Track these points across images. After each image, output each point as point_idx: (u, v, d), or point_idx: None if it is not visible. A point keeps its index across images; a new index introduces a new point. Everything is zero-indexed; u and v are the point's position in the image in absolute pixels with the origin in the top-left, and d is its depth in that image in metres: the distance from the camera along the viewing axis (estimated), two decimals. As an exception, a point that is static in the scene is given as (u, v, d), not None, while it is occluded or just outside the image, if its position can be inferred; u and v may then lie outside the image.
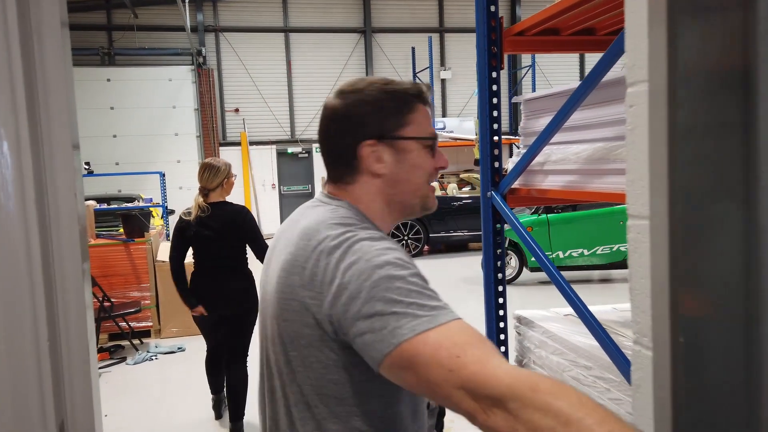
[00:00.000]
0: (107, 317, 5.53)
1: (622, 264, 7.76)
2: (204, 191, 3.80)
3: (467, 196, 11.45)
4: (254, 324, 3.76)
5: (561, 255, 7.73)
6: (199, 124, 14.80)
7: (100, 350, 5.68)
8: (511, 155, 17.70)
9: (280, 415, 1.04)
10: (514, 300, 7.38)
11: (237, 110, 15.45)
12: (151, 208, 8.38)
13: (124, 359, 5.57)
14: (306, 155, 15.85)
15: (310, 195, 15.02)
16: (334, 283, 0.91)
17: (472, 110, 17.05)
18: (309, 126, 15.98)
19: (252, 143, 15.40)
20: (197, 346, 5.84)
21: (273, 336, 1.03)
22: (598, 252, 7.68)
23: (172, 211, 10.86)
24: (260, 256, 3.47)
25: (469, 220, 10.90)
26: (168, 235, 7.93)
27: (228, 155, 15.24)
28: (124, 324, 5.92)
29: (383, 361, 0.84)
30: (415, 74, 16.12)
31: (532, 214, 7.75)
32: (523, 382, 0.74)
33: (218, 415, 4.21)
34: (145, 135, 14.42)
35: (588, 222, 7.64)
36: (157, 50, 14.72)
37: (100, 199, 9.52)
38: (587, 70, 17.64)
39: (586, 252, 7.70)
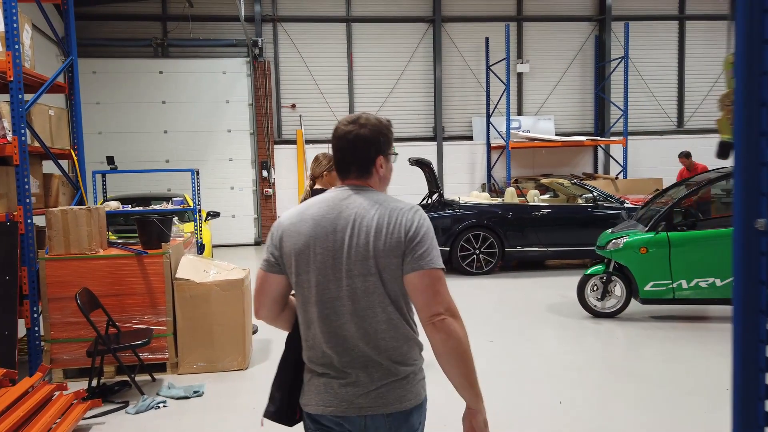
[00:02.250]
0: (107, 351, 4.37)
1: None
2: (312, 178, 4.36)
3: (549, 204, 9.81)
4: None
5: (684, 285, 6.03)
6: (253, 120, 13.83)
7: (98, 390, 4.53)
8: (596, 158, 15.87)
9: (378, 314, 1.77)
10: (611, 338, 5.75)
11: (294, 106, 14.38)
12: (185, 212, 7.32)
13: (127, 404, 4.40)
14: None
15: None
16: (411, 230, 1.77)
17: (552, 108, 15.31)
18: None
19: (309, 142, 14.29)
20: (221, 390, 4.61)
21: (365, 272, 1.75)
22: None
23: (217, 214, 9.81)
24: None
25: (550, 233, 9.27)
26: (200, 243, 6.78)
27: (283, 154, 14.22)
28: (132, 355, 4.77)
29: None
30: (488, 67, 14.59)
31: (648, 231, 6.09)
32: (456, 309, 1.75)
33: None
34: (196, 131, 13.57)
35: (723, 243, 5.91)
36: (212, 41, 13.85)
37: (137, 200, 8.56)
38: (687, 61, 15.52)
39: (718, 282, 5.96)
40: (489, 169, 14.93)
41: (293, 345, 1.97)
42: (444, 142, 14.74)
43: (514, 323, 6.32)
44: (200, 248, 6.82)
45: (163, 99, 13.44)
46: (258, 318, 1.99)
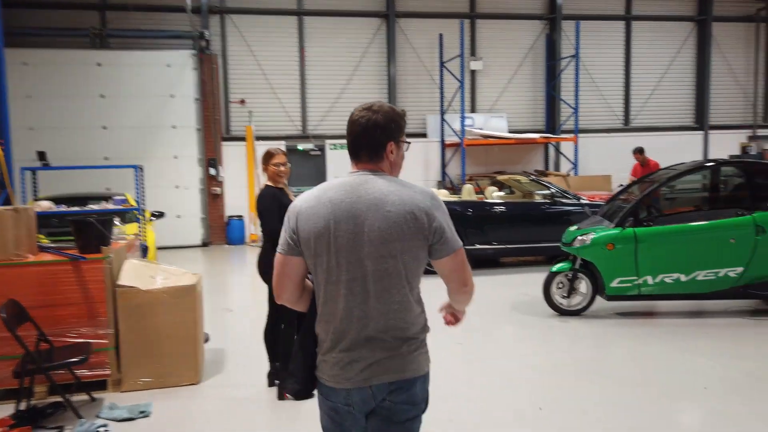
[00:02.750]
0: (38, 370, 3.86)
1: (726, 294, 6.00)
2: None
3: (510, 201, 9.71)
4: None
5: (650, 281, 5.97)
6: (200, 116, 13.16)
7: (27, 415, 4.00)
8: (547, 155, 16.00)
9: (393, 295, 1.90)
10: (581, 338, 5.63)
11: (243, 101, 13.80)
12: (126, 212, 6.76)
13: (61, 430, 3.90)
14: (318, 152, 14.17)
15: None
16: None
17: (504, 106, 15.33)
18: (323, 120, 14.31)
19: (259, 138, 13.72)
20: (171, 409, 4.17)
21: (386, 255, 1.87)
22: (699, 278, 5.91)
23: (161, 214, 9.21)
24: (265, 236, 4.36)
25: (511, 230, 9.15)
26: (144, 246, 6.26)
27: (232, 151, 13.62)
28: (68, 373, 4.25)
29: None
30: (442, 64, 14.44)
31: (615, 226, 6.00)
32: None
33: (270, 383, 4.51)
34: (138, 127, 12.79)
35: (688, 239, 5.88)
36: (155, 32, 13.10)
37: (72, 199, 7.88)
38: (633, 61, 15.84)
39: (683, 278, 5.93)
40: (443, 166, 14.80)
41: (309, 323, 2.05)
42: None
43: (481, 324, 6.11)
44: (144, 251, 6.30)
45: (101, 93, 12.60)
46: (279, 301, 2.07)
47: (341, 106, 14.27)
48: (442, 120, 14.60)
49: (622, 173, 14.75)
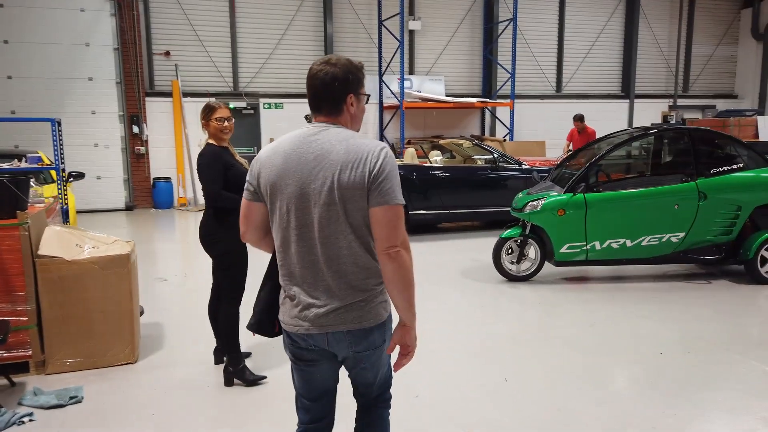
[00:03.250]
0: (-55, 354, 3.33)
1: (667, 258, 6.17)
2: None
3: (455, 165, 9.59)
4: (230, 268, 3.82)
5: (597, 246, 6.03)
6: (120, 68, 12.09)
7: (-66, 405, 3.46)
8: (483, 120, 16.03)
9: (340, 241, 1.94)
10: (533, 304, 5.64)
11: (168, 53, 12.79)
12: (41, 172, 6.04)
13: (-24, 420, 3.40)
14: (252, 112, 13.46)
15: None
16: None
17: (442, 69, 15.11)
18: (256, 77, 13.55)
19: (186, 95, 12.84)
20: (105, 392, 3.75)
21: (329, 202, 1.91)
22: (644, 243, 6.04)
23: (81, 175, 8.40)
24: (207, 201, 3.80)
25: (455, 195, 9.06)
26: (65, 210, 5.62)
27: (157, 107, 12.67)
28: (-18, 356, 3.72)
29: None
30: (381, 22, 13.98)
31: (566, 191, 5.98)
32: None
33: (217, 360, 4.21)
34: (50, 78, 11.60)
35: (636, 204, 5.95)
36: (66, -28, 11.81)
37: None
38: (566, 28, 16.00)
39: (629, 243, 6.03)
40: (381, 129, 14.49)
41: (273, 266, 2.15)
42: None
43: (432, 291, 5.99)
44: (65, 216, 5.66)
45: (4, 37, 11.26)
46: (244, 240, 2.17)
47: (275, 62, 13.57)
48: (381, 81, 14.21)
49: (554, 139, 15.07)
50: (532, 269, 6.35)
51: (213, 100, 3.90)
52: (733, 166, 6.02)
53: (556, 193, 6.04)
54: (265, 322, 2.16)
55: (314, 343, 2.01)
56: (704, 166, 6.01)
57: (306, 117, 9.21)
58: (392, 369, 2.15)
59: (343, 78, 1.97)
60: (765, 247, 5.96)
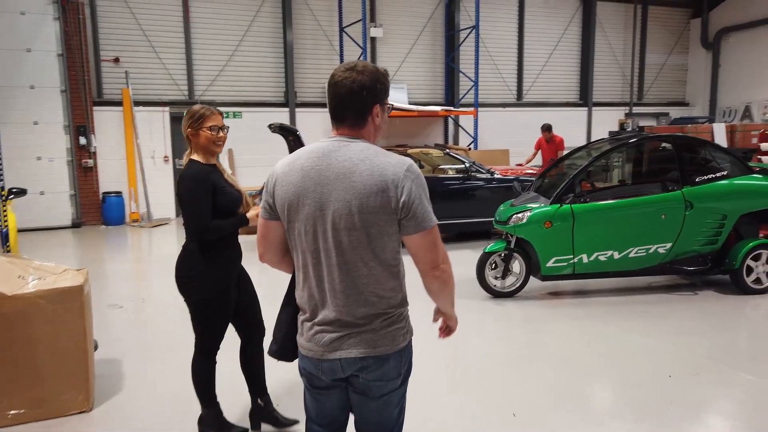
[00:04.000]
0: None
1: (654, 270, 6.00)
2: (187, 139, 3.14)
3: (433, 176, 9.29)
4: (211, 318, 3.07)
5: (585, 259, 5.81)
6: (64, 75, 11.29)
7: None
8: (446, 129, 15.85)
9: (360, 268, 1.83)
10: (522, 323, 5.34)
11: (117, 60, 12.05)
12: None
13: None
14: (208, 122, 12.80)
15: (215, 171, 11.97)
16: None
17: (404, 77, 14.85)
18: (213, 84, 12.94)
19: (138, 104, 12.12)
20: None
21: (351, 227, 1.79)
22: (631, 255, 5.84)
23: (22, 191, 7.66)
24: (189, 235, 3.04)
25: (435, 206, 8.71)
26: (5, 234, 5.00)
27: (106, 117, 11.92)
28: None
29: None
30: (342, 29, 13.62)
31: (552, 202, 5.73)
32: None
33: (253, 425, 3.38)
34: (-14, 86, 10.71)
35: (623, 215, 5.76)
36: (3, -28, 10.96)
37: None
38: (526, 38, 16.04)
39: (617, 255, 5.83)
40: (345, 138, 14.09)
41: (294, 286, 2.01)
42: (297, 109, 13.54)
43: (415, 309, 5.60)
44: (5, 239, 5.03)
45: (-67, 42, 10.34)
46: (262, 261, 2.04)
47: (232, 70, 13.02)
48: (343, 89, 13.82)
49: (516, 147, 15.04)
50: (518, 284, 6.07)
51: (201, 105, 3.18)
52: (718, 174, 5.92)
53: (541, 205, 5.79)
54: (288, 348, 2.05)
55: (327, 369, 1.91)
56: (690, 175, 5.88)
57: (270, 126, 8.71)
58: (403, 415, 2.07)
59: (371, 86, 1.84)
60: (750, 256, 5.86)
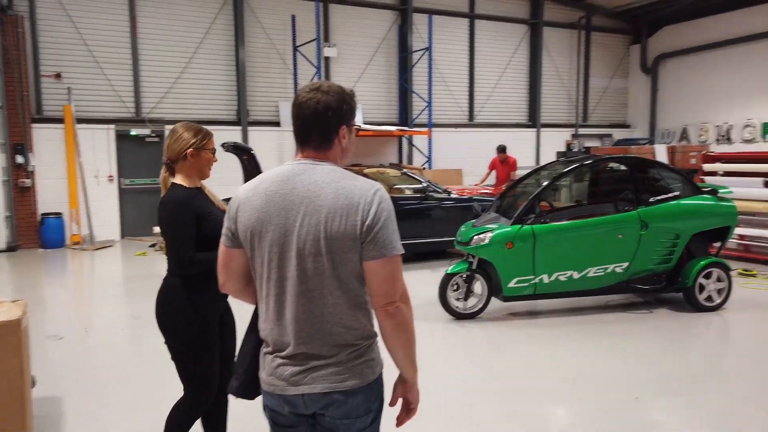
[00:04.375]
0: None
1: (612, 289, 6.08)
2: (169, 161, 2.78)
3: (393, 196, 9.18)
4: (199, 361, 2.74)
5: (546, 279, 5.82)
6: (1, 91, 10.68)
7: None
8: (400, 148, 15.89)
9: (325, 296, 1.72)
10: (488, 346, 5.28)
11: (59, 75, 11.51)
12: None
13: None
14: (156, 139, 12.39)
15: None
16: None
17: (359, 96, 14.79)
18: (161, 103, 12.54)
19: (81, 121, 11.59)
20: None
21: (315, 253, 1.69)
22: (590, 275, 5.90)
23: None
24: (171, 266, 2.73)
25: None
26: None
27: (45, 135, 11.34)
28: None
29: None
30: (295, 48, 13.51)
31: (513, 223, 5.72)
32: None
33: None
34: None
35: (582, 235, 5.82)
36: (-67, -19, 10.34)
37: None
38: (476, 60, 16.34)
39: (576, 275, 5.87)
40: (299, 158, 13.89)
41: (256, 319, 1.91)
42: (249, 127, 13.27)
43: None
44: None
45: None
46: (223, 291, 1.93)
47: (182, 87, 12.66)
48: (297, 108, 13.66)
49: (469, 167, 15.23)
50: (480, 306, 6.02)
51: (196, 124, 2.85)
52: (670, 195, 6.08)
53: (502, 226, 5.78)
54: (250, 384, 1.90)
55: (290, 406, 1.79)
56: (644, 195, 6.02)
57: (223, 145, 8.45)
58: None
59: (337, 107, 1.77)
60: (702, 274, 6.02)
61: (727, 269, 6.10)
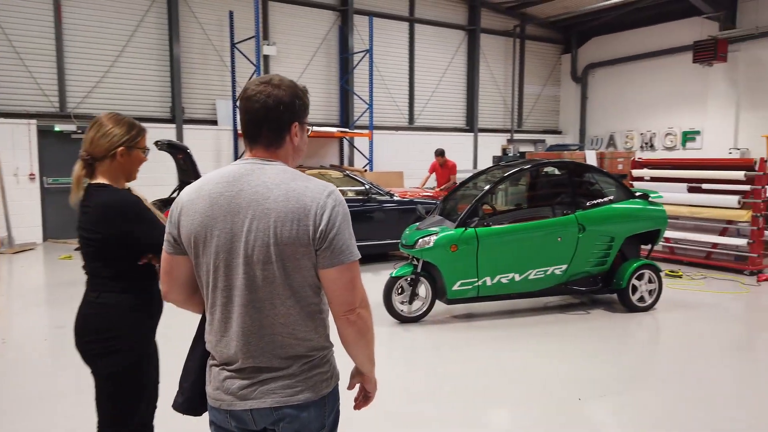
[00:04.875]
0: None
1: (552, 291, 6.23)
2: (87, 161, 2.36)
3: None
4: (138, 392, 2.39)
5: (488, 282, 5.89)
6: None
7: None
8: (341, 150, 15.78)
9: (276, 306, 1.62)
10: (433, 349, 5.29)
11: (-28, 65, 10.69)
12: None
13: None
14: (82, 136, 11.68)
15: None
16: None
17: (299, 96, 14.61)
18: (88, 97, 11.87)
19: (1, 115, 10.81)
20: None
21: (265, 260, 1.59)
22: (531, 277, 6.02)
23: None
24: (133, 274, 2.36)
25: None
26: None
27: (-43, 130, 10.46)
28: None
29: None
30: (233, 45, 13.15)
31: (457, 226, 5.76)
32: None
33: None
34: None
35: (523, 237, 5.93)
36: None
37: None
38: (416, 64, 16.46)
39: (517, 277, 5.98)
40: (237, 157, 13.53)
41: (202, 330, 1.78)
42: (185, 126, 12.79)
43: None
44: None
45: None
46: (167, 300, 1.83)
47: (111, 82, 12.05)
48: (235, 106, 13.31)
49: (409, 170, 15.32)
50: (424, 309, 6.02)
51: (128, 117, 2.49)
52: (606, 199, 6.30)
53: (446, 228, 5.81)
54: (197, 399, 1.79)
55: (237, 422, 1.69)
56: (582, 199, 6.21)
57: (157, 143, 8.08)
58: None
59: (289, 102, 1.67)
60: (635, 276, 6.28)
61: (657, 271, 6.38)
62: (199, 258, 1.68)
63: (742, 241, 8.26)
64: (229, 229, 1.62)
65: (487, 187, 6.07)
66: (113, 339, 2.31)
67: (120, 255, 2.32)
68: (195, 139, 12.69)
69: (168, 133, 12.29)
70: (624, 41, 17.82)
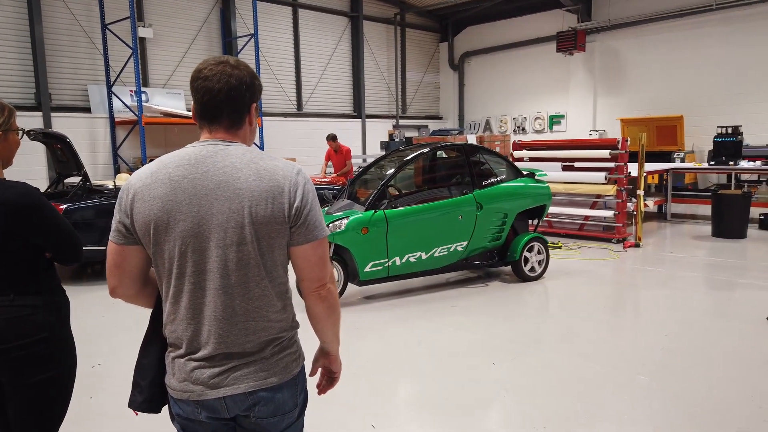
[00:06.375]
0: None
1: (455, 266, 6.62)
2: None
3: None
4: (62, 400, 2.23)
5: (398, 261, 6.13)
6: None
7: None
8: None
9: (251, 289, 1.62)
10: (351, 331, 5.46)
11: None
12: None
13: None
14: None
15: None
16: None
17: (181, 82, 13.96)
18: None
19: None
20: None
21: (239, 242, 1.58)
22: (436, 255, 6.36)
23: None
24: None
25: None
26: None
27: None
28: None
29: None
30: (105, 26, 12.22)
31: (367, 209, 5.92)
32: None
33: None
34: None
35: (428, 217, 6.22)
36: None
37: None
38: (302, 50, 16.36)
39: (424, 255, 6.28)
40: (115, 148, 12.64)
41: (157, 324, 1.75)
42: (53, 113, 11.71)
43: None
44: None
45: None
46: (115, 296, 1.73)
47: (-38, 65, 10.71)
48: (110, 92, 12.40)
49: (301, 157, 15.26)
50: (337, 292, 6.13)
51: None
52: (499, 178, 6.79)
53: (356, 212, 5.96)
54: (157, 397, 1.74)
55: (208, 412, 1.65)
56: (478, 179, 6.64)
57: (29, 133, 7.36)
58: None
59: (250, 83, 1.67)
60: (526, 248, 6.85)
61: (545, 243, 7.02)
62: (161, 245, 1.61)
63: (609, 213, 9.28)
64: (195, 213, 1.58)
65: (391, 171, 6.29)
66: (44, 343, 2.11)
67: (25, 252, 2.10)
68: (66, 128, 11.61)
69: (34, 121, 11.20)
70: (496, 31, 18.94)
